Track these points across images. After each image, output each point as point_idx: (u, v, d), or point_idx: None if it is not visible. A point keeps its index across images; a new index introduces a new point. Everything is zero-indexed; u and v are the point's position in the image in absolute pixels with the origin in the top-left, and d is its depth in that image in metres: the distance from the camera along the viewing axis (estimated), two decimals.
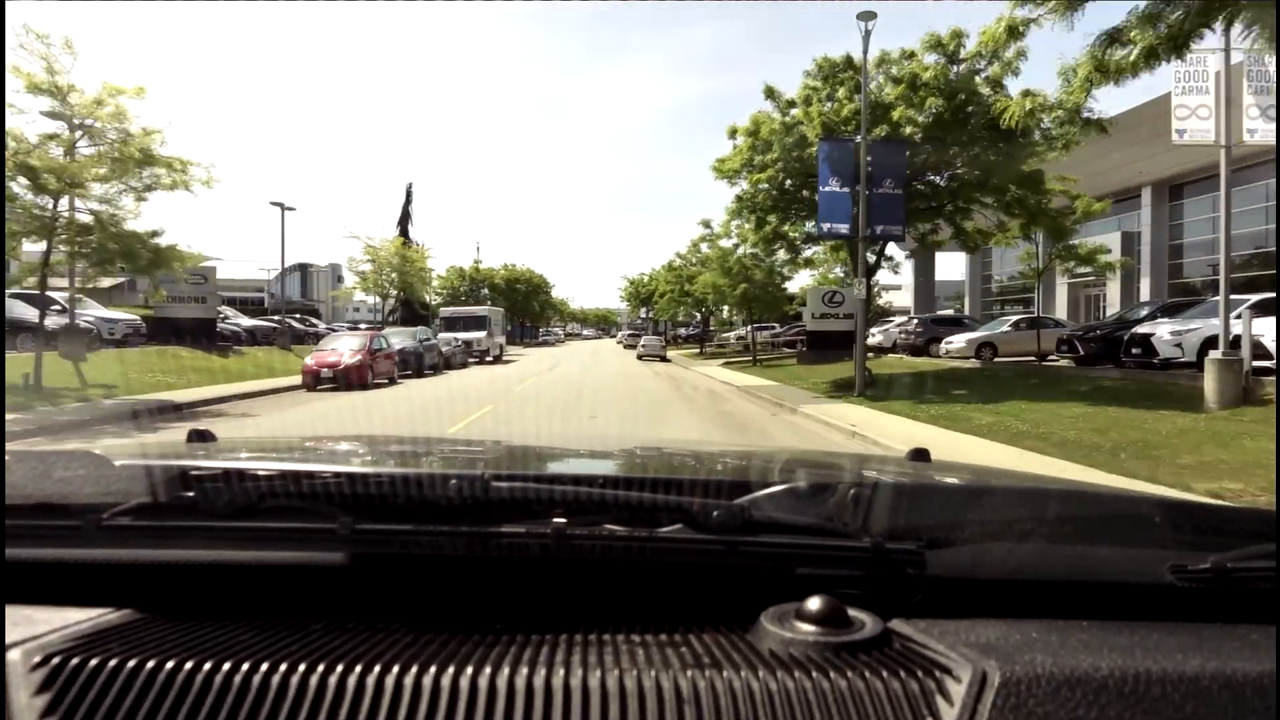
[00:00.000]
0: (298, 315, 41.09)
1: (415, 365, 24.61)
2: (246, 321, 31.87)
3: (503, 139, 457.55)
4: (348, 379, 18.85)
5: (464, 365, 32.20)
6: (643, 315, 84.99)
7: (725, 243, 33.15)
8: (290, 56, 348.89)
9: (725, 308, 45.68)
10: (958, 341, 24.77)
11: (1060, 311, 37.62)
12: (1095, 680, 0.68)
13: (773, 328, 53.42)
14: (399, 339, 25.72)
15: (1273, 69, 10.62)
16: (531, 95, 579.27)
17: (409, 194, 59.63)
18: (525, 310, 76.13)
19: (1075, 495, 1.29)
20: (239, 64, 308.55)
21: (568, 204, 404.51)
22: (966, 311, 42.45)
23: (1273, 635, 0.78)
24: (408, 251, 38.92)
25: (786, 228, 21.55)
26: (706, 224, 33.25)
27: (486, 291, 63.75)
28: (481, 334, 36.66)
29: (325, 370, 18.94)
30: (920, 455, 1.64)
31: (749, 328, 54.71)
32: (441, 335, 34.64)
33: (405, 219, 57.91)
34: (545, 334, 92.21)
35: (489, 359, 36.91)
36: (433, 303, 53.51)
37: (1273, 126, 11.27)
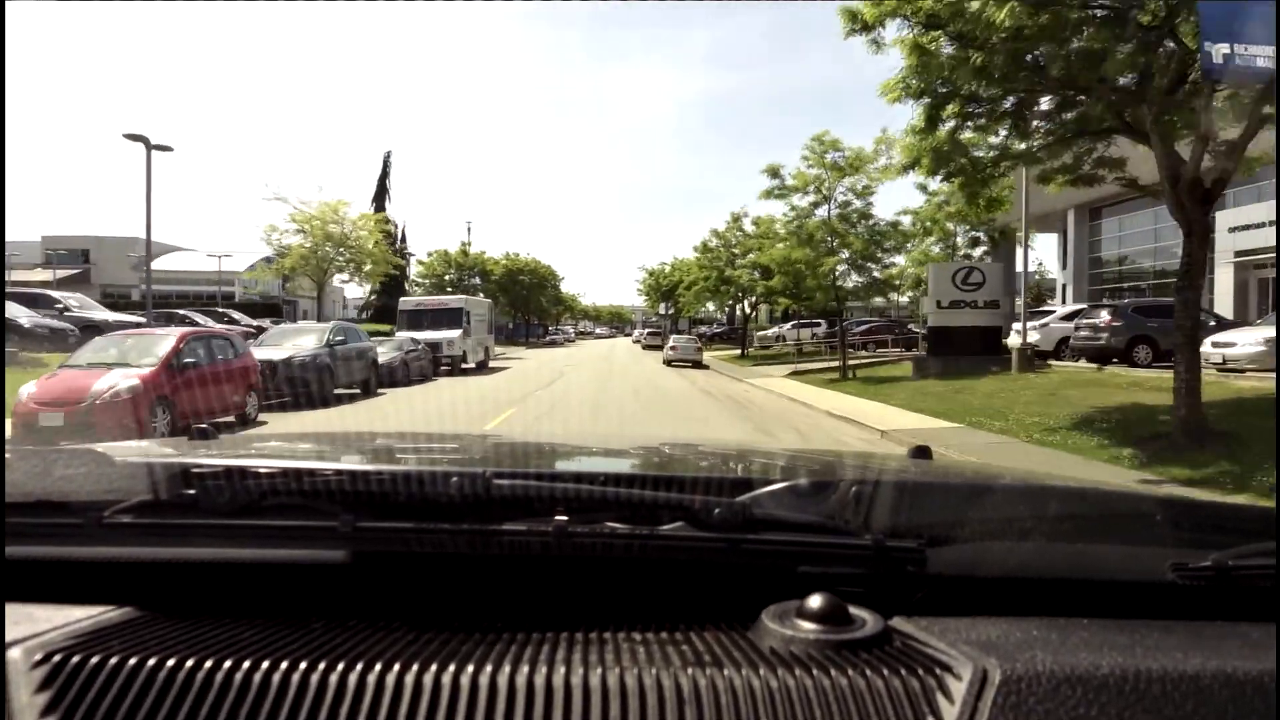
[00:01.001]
0: (218, 310, 31.31)
1: (314, 386, 14.66)
2: (102, 315, 22.20)
3: (506, 136, 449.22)
4: (104, 428, 9.03)
5: (425, 378, 22.26)
6: (662, 310, 75.14)
7: (800, 200, 23.02)
8: (292, 50, 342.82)
9: (767, 297, 35.26)
10: (1247, 344, 14.14)
11: (1224, 301, 27.76)
12: (1096, 678, 0.68)
13: (818, 324, 43.51)
14: (298, 340, 16.00)
15: None
16: (534, 91, 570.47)
17: (386, 165, 49.42)
18: (531, 306, 66.46)
19: (1076, 493, 1.32)
20: (237, 59, 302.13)
21: (572, 202, 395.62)
22: (1068, 303, 32.02)
23: (1273, 633, 0.77)
24: (359, 220, 28.90)
25: (970, 135, 11.67)
26: (774, 172, 22.58)
27: (479, 281, 53.50)
28: (454, 333, 26.17)
29: (48, 413, 9.08)
30: (922, 453, 1.59)
31: (793, 323, 45.27)
32: (399, 335, 24.89)
33: (381, 193, 47.98)
34: (554, 332, 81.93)
35: (467, 366, 26.88)
36: (414, 294, 43.90)
37: None
